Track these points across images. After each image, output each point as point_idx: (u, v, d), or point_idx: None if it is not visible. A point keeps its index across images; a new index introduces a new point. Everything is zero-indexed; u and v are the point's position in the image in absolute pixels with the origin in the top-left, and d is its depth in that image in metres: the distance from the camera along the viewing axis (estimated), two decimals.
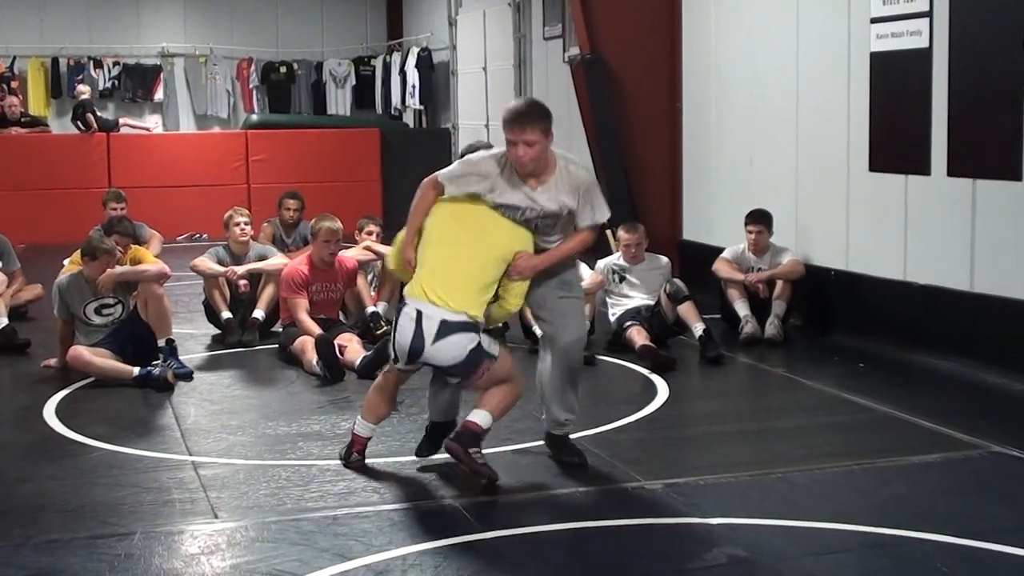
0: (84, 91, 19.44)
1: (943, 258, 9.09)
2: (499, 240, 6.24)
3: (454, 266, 6.16)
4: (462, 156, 6.74)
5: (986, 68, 8.63)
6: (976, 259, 8.79)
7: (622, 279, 9.93)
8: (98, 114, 18.95)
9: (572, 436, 6.75)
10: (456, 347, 6.07)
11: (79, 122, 18.67)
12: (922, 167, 9.22)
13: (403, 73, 20.62)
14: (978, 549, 5.32)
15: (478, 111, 18.53)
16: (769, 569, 5.13)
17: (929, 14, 9.08)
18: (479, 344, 6.11)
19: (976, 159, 8.77)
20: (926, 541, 5.42)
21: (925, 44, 9.13)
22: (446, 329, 6.03)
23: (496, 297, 6.31)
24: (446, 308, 6.04)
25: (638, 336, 9.29)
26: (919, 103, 9.17)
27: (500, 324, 6.69)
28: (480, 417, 6.25)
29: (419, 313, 6.05)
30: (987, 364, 8.56)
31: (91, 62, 21.38)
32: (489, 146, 6.73)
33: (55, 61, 21.32)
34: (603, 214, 6.39)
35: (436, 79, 20.18)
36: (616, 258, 10.08)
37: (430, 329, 6.03)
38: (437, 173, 6.39)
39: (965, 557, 5.25)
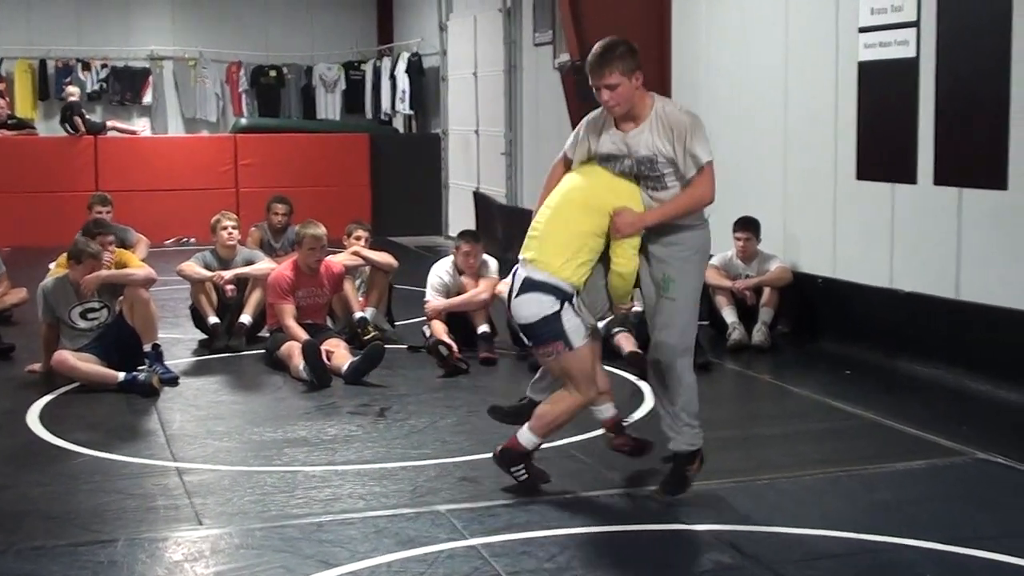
0: (73, 93, 19.40)
1: (929, 266, 9.12)
2: (594, 193, 5.94)
3: (546, 226, 5.97)
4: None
5: (972, 78, 8.66)
6: (962, 267, 8.82)
7: None
8: (86, 116, 18.94)
9: (559, 442, 6.76)
10: (533, 304, 5.87)
11: (67, 124, 18.66)
12: (909, 176, 9.24)
13: (393, 78, 20.61)
14: (962, 555, 5.34)
15: (468, 116, 18.54)
16: (753, 574, 5.14)
17: (916, 24, 9.11)
18: (558, 315, 5.83)
19: (962, 168, 8.80)
20: (911, 547, 5.45)
21: (912, 54, 9.16)
22: (527, 285, 5.88)
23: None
24: (534, 266, 5.90)
25: (626, 343, 9.30)
26: (906, 112, 9.19)
27: (627, 303, 6.23)
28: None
29: (514, 271, 6.01)
30: (972, 371, 8.58)
31: (79, 64, 21.32)
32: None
33: (43, 63, 21.25)
34: (704, 154, 5.83)
35: (426, 84, 20.18)
36: None
37: (516, 284, 5.95)
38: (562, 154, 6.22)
39: (949, 563, 5.27)
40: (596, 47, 5.94)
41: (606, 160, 5.97)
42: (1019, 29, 8.17)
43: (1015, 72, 8.21)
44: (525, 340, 6.28)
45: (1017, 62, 8.19)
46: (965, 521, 5.86)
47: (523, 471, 6.16)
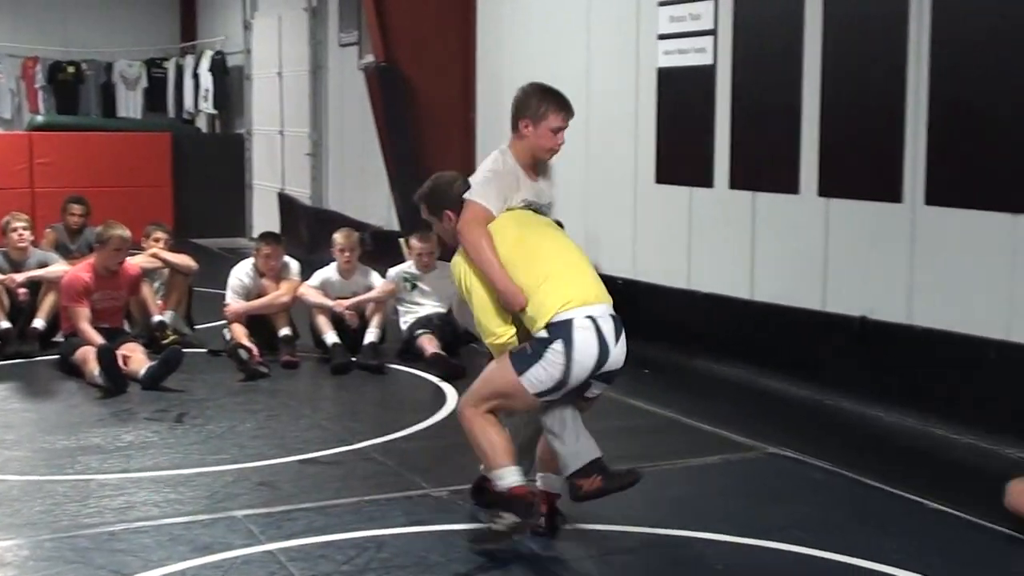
0: None
1: (725, 267, 9.35)
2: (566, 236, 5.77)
3: (574, 261, 5.53)
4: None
5: (767, 85, 8.91)
6: (756, 268, 9.07)
7: (414, 287, 9.96)
8: None
9: (359, 445, 6.77)
10: (624, 343, 5.49)
11: None
12: (706, 180, 9.46)
13: (196, 76, 20.32)
14: (753, 546, 5.52)
15: (273, 116, 18.38)
16: (553, 570, 5.22)
17: (714, 32, 9.33)
18: None
19: (757, 173, 9.05)
20: (704, 540, 5.60)
21: (710, 61, 9.38)
22: (619, 325, 5.43)
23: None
24: (606, 304, 5.44)
25: (429, 344, 9.34)
26: (703, 118, 9.41)
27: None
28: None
29: (592, 319, 5.30)
30: (766, 369, 8.82)
31: None
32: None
33: None
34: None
35: (230, 83, 19.94)
36: (408, 266, 10.10)
37: (609, 329, 5.33)
38: (472, 205, 5.48)
39: (740, 554, 5.44)
40: (551, 87, 5.83)
41: (526, 204, 5.65)
42: (810, 38, 8.43)
43: (806, 81, 8.48)
44: (594, 391, 5.56)
45: (808, 71, 8.46)
46: (756, 513, 6.05)
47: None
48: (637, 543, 5.54)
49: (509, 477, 5.30)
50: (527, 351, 5.29)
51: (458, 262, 5.55)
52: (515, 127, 5.72)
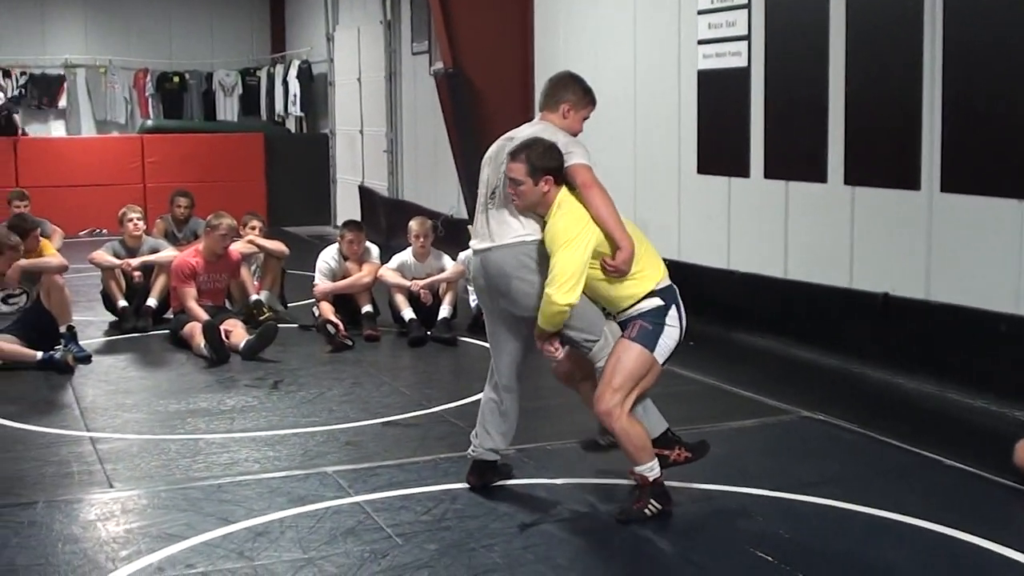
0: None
1: (761, 249, 9.27)
2: None
3: (641, 236, 5.37)
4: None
5: (796, 84, 8.81)
6: (789, 250, 8.99)
7: None
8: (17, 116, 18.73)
9: (435, 409, 6.79)
10: None
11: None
12: (743, 170, 9.38)
13: (286, 83, 20.37)
14: (789, 500, 5.48)
15: (353, 118, 18.41)
16: (607, 522, 5.21)
17: (748, 37, 9.24)
18: None
19: (789, 163, 8.96)
20: (744, 495, 5.58)
21: (744, 63, 9.29)
22: None
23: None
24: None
25: None
26: (740, 115, 9.33)
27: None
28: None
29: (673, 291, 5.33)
30: (798, 341, 8.75)
31: (0, 72, 20.79)
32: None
33: None
34: None
35: (315, 89, 19.98)
36: None
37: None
38: (587, 169, 5.34)
39: (777, 507, 5.40)
40: (584, 82, 5.72)
41: None
42: (835, 41, 8.34)
43: (832, 80, 8.38)
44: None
45: (834, 71, 8.36)
46: (791, 471, 6.00)
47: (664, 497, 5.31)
48: (683, 498, 5.50)
49: (656, 469, 5.24)
50: (648, 328, 5.15)
51: (559, 221, 5.17)
52: (553, 106, 5.59)
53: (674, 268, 9.91)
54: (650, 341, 5.17)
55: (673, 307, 5.24)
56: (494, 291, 5.37)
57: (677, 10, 10.07)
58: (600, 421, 5.33)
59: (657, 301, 5.21)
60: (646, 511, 5.19)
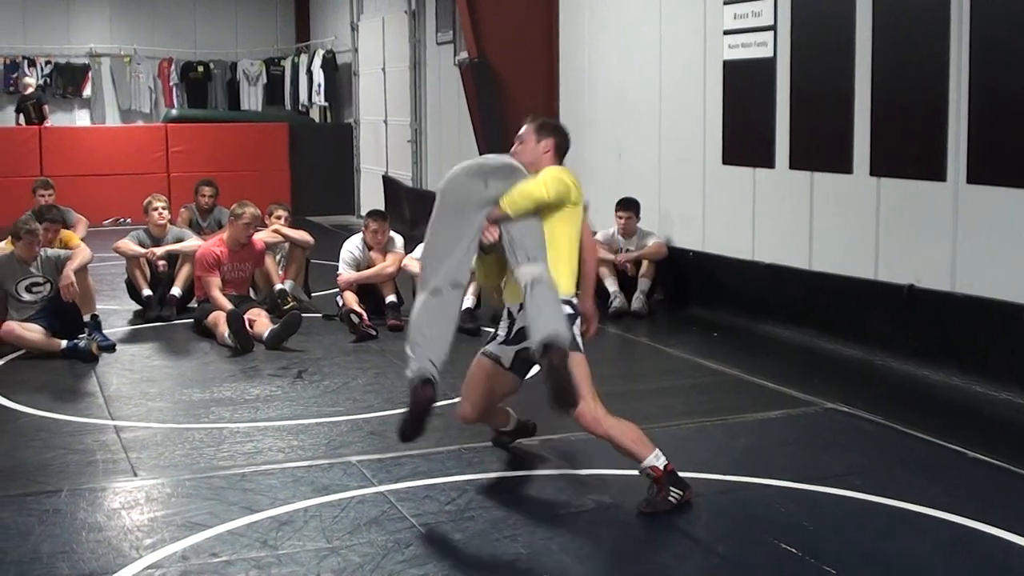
0: (30, 84, 19.26)
1: (785, 240, 9.25)
2: None
3: None
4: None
5: (822, 75, 8.79)
6: (814, 241, 8.97)
7: None
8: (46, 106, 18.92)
9: (457, 399, 6.77)
10: None
11: (23, 114, 18.49)
12: (767, 161, 9.36)
13: (310, 73, 20.43)
14: (811, 491, 5.48)
15: (377, 108, 18.44)
16: (632, 513, 5.21)
17: (773, 28, 9.22)
18: None
19: (814, 154, 8.94)
20: (768, 486, 5.57)
21: (770, 54, 9.27)
22: None
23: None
24: None
25: None
26: (765, 105, 9.31)
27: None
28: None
29: None
30: (822, 333, 8.75)
31: (25, 61, 20.90)
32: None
33: None
34: None
35: (339, 78, 20.03)
36: None
37: None
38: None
39: (801, 499, 5.40)
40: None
41: None
42: (861, 31, 8.31)
43: (858, 70, 8.36)
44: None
45: (860, 61, 8.34)
46: (815, 462, 6.00)
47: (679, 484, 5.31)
48: (708, 489, 5.51)
49: (661, 458, 5.24)
50: (572, 335, 5.26)
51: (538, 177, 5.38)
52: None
53: (698, 259, 10.08)
54: (577, 345, 5.31)
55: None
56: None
57: (703, 1, 10.04)
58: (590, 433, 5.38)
59: (569, 310, 5.32)
60: (670, 499, 5.19)
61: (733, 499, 5.47)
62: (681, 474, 5.29)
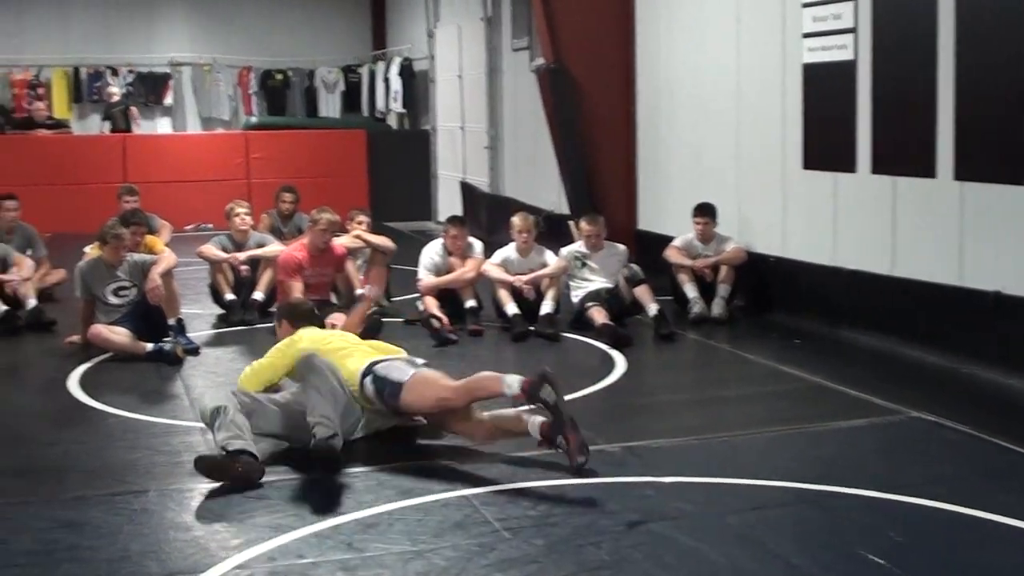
0: (115, 92, 19.67)
1: (867, 246, 9.14)
2: None
3: None
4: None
5: (904, 77, 8.67)
6: (896, 246, 8.85)
7: (584, 265, 9.95)
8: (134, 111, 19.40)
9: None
10: None
11: (113, 121, 18.86)
12: (849, 165, 9.25)
13: (387, 80, 20.55)
14: (897, 502, 5.38)
15: (454, 114, 18.51)
16: (714, 522, 5.17)
17: (854, 30, 9.11)
18: None
19: (896, 158, 8.82)
20: (852, 496, 5.48)
21: (851, 56, 9.16)
22: None
23: None
24: None
25: (598, 315, 9.32)
26: (846, 109, 9.20)
27: None
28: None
29: None
30: (906, 339, 8.61)
31: (108, 70, 21.26)
32: None
33: (76, 70, 21.16)
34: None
35: (416, 85, 20.13)
36: (578, 246, 10.10)
37: None
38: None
39: (887, 509, 5.30)
40: None
41: None
42: (944, 32, 8.19)
43: (941, 72, 8.23)
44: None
45: (943, 63, 8.21)
46: (899, 472, 5.90)
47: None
48: (791, 497, 5.45)
49: (513, 385, 5.98)
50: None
51: None
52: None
53: (779, 264, 9.98)
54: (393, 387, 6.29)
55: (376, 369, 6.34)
56: None
57: (781, 3, 9.96)
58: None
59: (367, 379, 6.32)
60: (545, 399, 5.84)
61: (815, 508, 5.40)
62: (763, 483, 5.24)
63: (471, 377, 6.17)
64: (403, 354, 6.71)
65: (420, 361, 6.55)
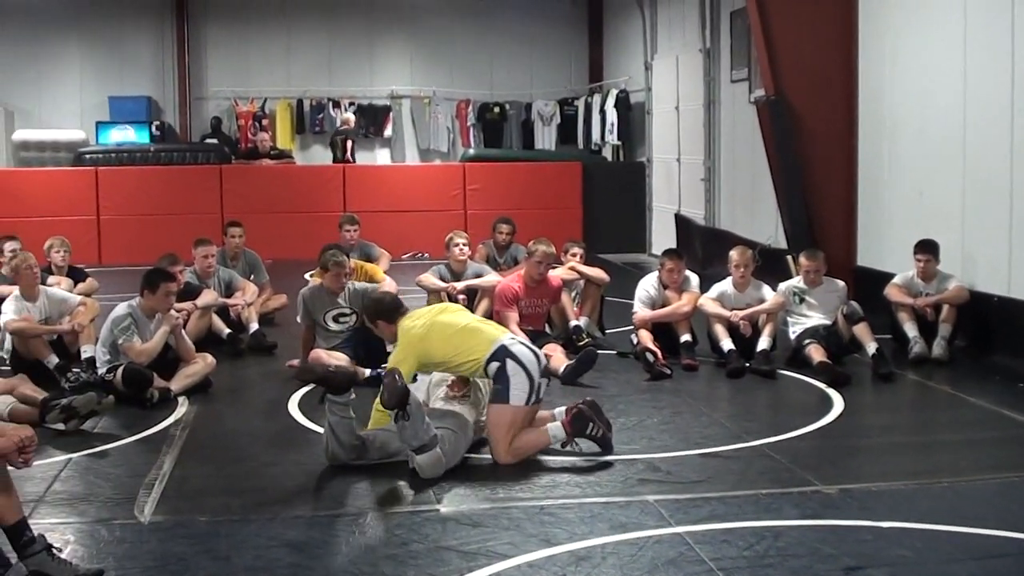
0: (349, 120, 20.38)
1: None
2: None
3: None
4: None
5: None
6: None
7: (802, 300, 9.81)
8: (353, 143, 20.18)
9: (755, 443, 6.77)
10: None
11: (334, 148, 19.61)
12: None
13: (603, 112, 20.65)
14: None
15: (670, 146, 18.49)
16: (935, 571, 5.04)
17: None
18: None
19: None
20: None
21: None
22: None
23: None
24: None
25: (816, 353, 9.17)
26: None
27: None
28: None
29: None
30: None
31: (330, 103, 22.02)
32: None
33: (299, 102, 22.01)
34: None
35: (632, 117, 20.18)
36: (797, 281, 9.97)
37: None
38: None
39: None
40: None
41: None
42: None
43: None
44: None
45: None
46: None
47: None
48: (1017, 549, 5.25)
49: (559, 431, 6.83)
50: (497, 387, 6.72)
51: None
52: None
53: (1003, 304, 9.61)
54: (502, 396, 6.67)
55: (508, 360, 6.68)
56: None
57: (1010, 34, 9.63)
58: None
59: (494, 364, 6.70)
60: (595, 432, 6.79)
61: None
62: (987, 532, 5.08)
63: (523, 440, 6.73)
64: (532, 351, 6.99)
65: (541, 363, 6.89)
